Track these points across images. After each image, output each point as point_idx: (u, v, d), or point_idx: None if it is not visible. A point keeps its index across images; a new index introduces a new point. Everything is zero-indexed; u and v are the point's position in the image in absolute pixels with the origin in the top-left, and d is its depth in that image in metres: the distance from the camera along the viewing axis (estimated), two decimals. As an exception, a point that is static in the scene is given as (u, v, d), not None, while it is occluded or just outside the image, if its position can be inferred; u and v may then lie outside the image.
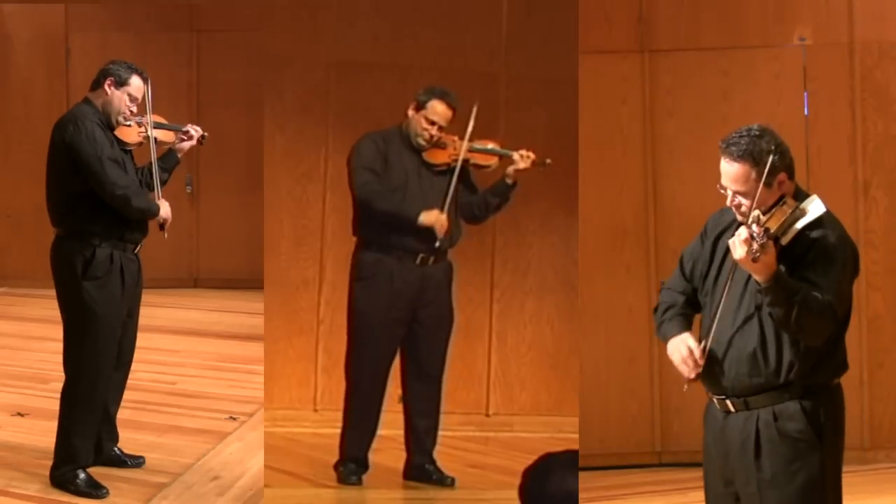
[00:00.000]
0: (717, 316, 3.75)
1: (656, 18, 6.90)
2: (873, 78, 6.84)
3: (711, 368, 3.79)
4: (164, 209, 5.24)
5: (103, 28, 9.96)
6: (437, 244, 5.64)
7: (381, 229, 5.66)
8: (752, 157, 3.66)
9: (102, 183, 5.07)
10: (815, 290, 3.58)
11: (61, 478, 5.18)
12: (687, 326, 3.88)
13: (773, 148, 3.66)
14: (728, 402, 3.77)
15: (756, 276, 3.59)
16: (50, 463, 5.25)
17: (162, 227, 5.27)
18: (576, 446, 5.90)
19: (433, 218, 5.62)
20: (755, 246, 3.49)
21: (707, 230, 3.91)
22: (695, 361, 3.75)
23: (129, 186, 5.13)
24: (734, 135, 3.71)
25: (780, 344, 3.66)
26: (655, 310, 4.02)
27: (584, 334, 6.92)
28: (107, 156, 5.09)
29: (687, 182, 6.80)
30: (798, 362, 3.65)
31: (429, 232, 5.65)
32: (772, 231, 3.57)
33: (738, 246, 3.55)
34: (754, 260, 3.51)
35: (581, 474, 2.94)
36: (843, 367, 3.77)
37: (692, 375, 3.78)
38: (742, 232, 3.55)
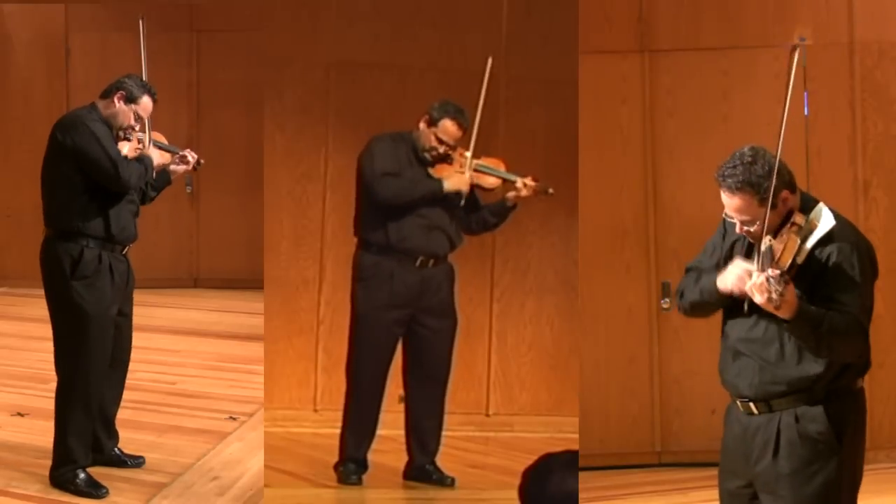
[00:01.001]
0: (738, 324, 3.74)
1: (656, 18, 6.90)
2: (873, 78, 6.83)
3: (734, 375, 3.78)
4: (156, 156, 5.31)
5: (103, 28, 9.96)
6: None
7: (382, 231, 5.68)
8: (750, 185, 3.61)
9: (117, 179, 5.08)
10: (838, 308, 3.56)
11: (61, 478, 5.18)
12: None
13: (768, 171, 3.61)
14: (751, 404, 3.75)
15: (780, 315, 3.54)
16: (50, 463, 5.24)
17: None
18: (576, 446, 5.90)
19: (456, 181, 5.69)
20: (773, 296, 3.44)
21: (727, 228, 3.85)
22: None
23: (131, 172, 5.13)
24: (727, 165, 3.65)
25: (801, 351, 3.64)
26: (681, 295, 3.90)
27: (584, 334, 6.91)
28: (117, 154, 5.10)
29: (687, 182, 6.80)
30: (820, 368, 3.64)
31: (443, 233, 5.72)
32: (786, 268, 3.51)
33: (756, 294, 3.50)
34: (777, 307, 3.47)
35: (581, 474, 2.93)
36: (866, 367, 3.76)
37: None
38: (758, 279, 3.49)
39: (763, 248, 3.56)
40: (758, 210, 3.63)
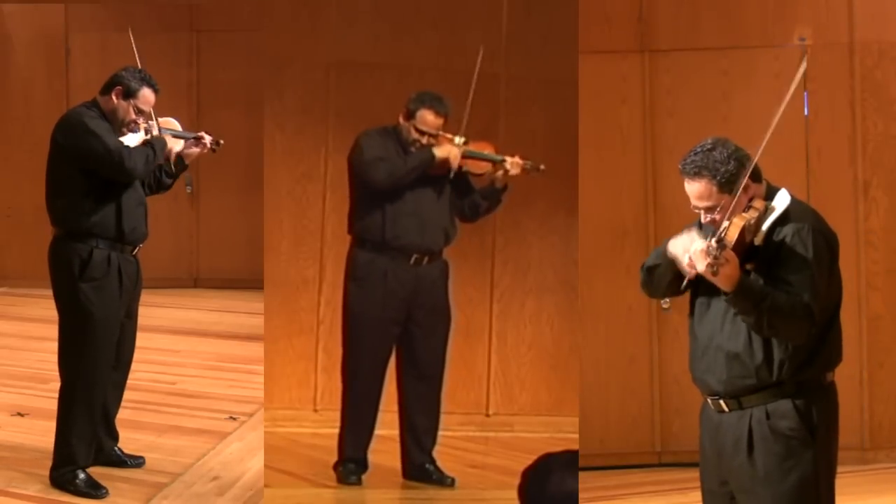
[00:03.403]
0: (705, 319, 3.76)
1: (656, 18, 6.90)
2: (873, 78, 6.83)
3: (703, 371, 3.79)
4: (170, 143, 5.26)
5: (103, 28, 9.95)
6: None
7: (376, 228, 5.67)
8: (708, 170, 3.68)
9: (122, 169, 5.01)
10: (788, 290, 3.58)
11: (61, 478, 5.18)
12: None
13: (726, 157, 3.68)
14: (722, 402, 3.78)
15: (720, 287, 3.60)
16: (50, 463, 5.24)
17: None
18: (576, 446, 5.90)
19: (447, 151, 5.65)
20: (711, 260, 3.50)
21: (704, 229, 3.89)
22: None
23: (136, 160, 5.06)
24: (689, 154, 3.73)
25: (768, 343, 3.66)
26: (644, 268, 3.97)
27: (584, 334, 6.91)
28: (118, 145, 5.04)
29: (687, 182, 6.79)
30: (788, 360, 3.65)
31: (438, 227, 5.71)
32: (727, 242, 3.56)
33: (697, 259, 3.57)
34: (714, 273, 3.53)
35: (581, 474, 2.94)
36: (835, 360, 3.76)
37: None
38: (699, 245, 3.56)
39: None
40: (718, 197, 3.68)
